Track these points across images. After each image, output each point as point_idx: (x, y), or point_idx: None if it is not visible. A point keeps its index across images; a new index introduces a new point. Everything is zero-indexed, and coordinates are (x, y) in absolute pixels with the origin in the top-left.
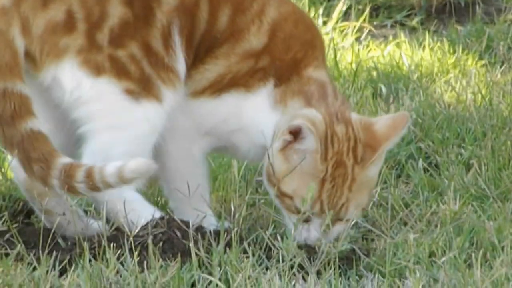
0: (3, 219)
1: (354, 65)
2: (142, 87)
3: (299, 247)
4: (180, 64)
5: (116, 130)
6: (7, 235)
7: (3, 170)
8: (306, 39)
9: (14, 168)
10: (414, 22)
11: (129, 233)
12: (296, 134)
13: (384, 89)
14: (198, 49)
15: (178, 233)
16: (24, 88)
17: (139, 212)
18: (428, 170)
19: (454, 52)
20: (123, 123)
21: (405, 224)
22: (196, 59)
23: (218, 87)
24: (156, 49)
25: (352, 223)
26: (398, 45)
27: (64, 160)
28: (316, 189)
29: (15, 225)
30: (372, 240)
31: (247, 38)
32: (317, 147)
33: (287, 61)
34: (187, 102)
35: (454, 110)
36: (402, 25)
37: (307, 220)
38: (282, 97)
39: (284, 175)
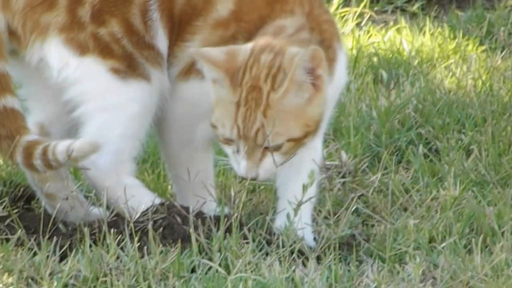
0: (4, 204)
1: (354, 51)
2: (127, 66)
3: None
4: (161, 41)
5: (108, 111)
6: (8, 220)
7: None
8: None
9: None
10: (415, 7)
11: (129, 219)
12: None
13: (384, 75)
14: (179, 26)
15: (178, 219)
16: (2, 66)
17: (139, 199)
18: (428, 156)
19: (455, 37)
20: (113, 104)
21: (405, 209)
22: (177, 37)
23: None
24: (137, 27)
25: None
26: (398, 31)
27: (29, 137)
28: (232, 114)
29: (15, 211)
30: (372, 225)
31: (215, 7)
32: (218, 73)
33: (253, 20)
34: (178, 87)
35: (454, 95)
36: (403, 10)
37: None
38: None
39: (212, 106)
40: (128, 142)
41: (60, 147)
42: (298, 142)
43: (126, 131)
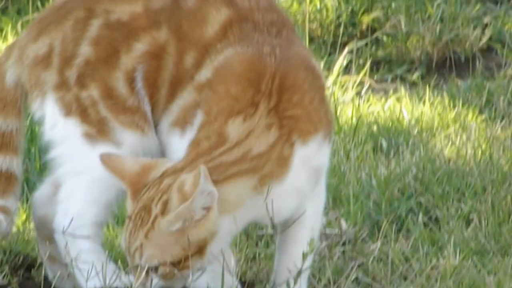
0: (4, 273)
1: (354, 120)
2: (98, 130)
3: None
4: (146, 106)
5: (76, 175)
6: None
7: None
8: (249, 78)
9: (35, 202)
10: (415, 76)
11: (128, 286)
12: None
13: (384, 144)
14: (171, 88)
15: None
16: (5, 123)
17: (93, 264)
18: (428, 225)
19: (454, 106)
20: (81, 167)
21: (405, 278)
22: (169, 98)
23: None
24: (118, 91)
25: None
26: (398, 100)
27: None
28: (125, 226)
29: (15, 279)
30: None
31: (200, 71)
32: (121, 183)
33: (218, 92)
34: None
35: (454, 164)
36: (403, 79)
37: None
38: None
39: None
40: (89, 207)
41: None
42: (175, 266)
43: (91, 194)
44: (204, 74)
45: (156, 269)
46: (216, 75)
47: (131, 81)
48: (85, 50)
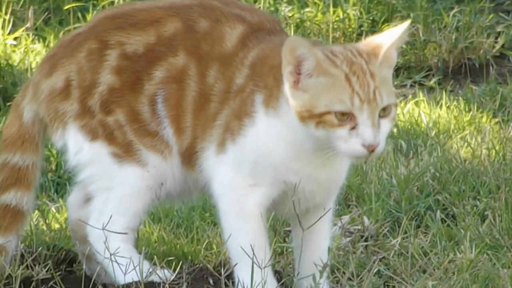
0: (47, 267)
1: None
2: (125, 151)
3: None
4: (166, 129)
5: (107, 190)
6: (51, 283)
7: (47, 221)
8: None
9: (69, 206)
10: (432, 82)
11: (165, 280)
12: (297, 63)
13: (404, 145)
14: (198, 110)
15: (211, 281)
16: (22, 159)
17: (126, 262)
18: (445, 221)
19: (470, 110)
20: (111, 184)
21: (424, 271)
22: (203, 121)
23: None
24: (142, 115)
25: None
26: (417, 104)
27: None
28: (346, 87)
29: (58, 273)
30: (393, 287)
31: (235, 82)
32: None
33: (264, 73)
34: (219, 160)
35: (469, 164)
36: (421, 85)
37: (353, 128)
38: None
39: (312, 101)
40: (120, 217)
41: None
42: (395, 109)
43: (119, 207)
44: (240, 78)
45: (389, 111)
46: (254, 66)
47: (153, 104)
48: (108, 78)
